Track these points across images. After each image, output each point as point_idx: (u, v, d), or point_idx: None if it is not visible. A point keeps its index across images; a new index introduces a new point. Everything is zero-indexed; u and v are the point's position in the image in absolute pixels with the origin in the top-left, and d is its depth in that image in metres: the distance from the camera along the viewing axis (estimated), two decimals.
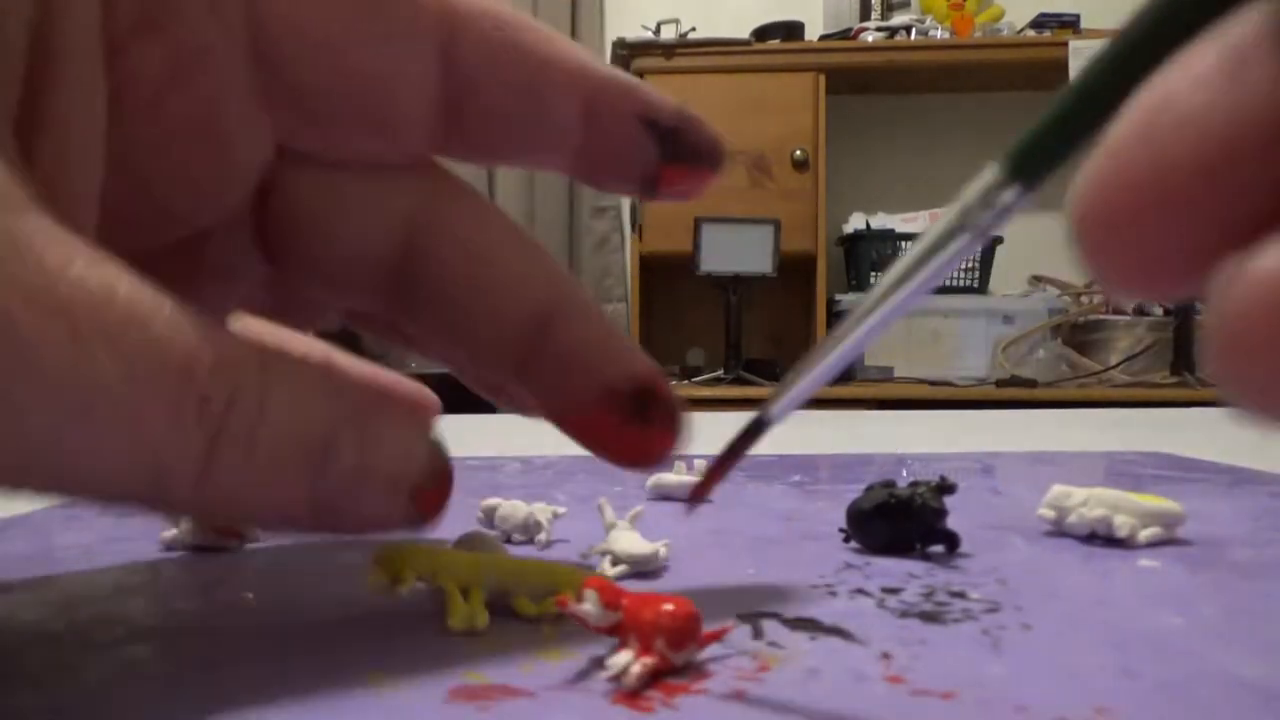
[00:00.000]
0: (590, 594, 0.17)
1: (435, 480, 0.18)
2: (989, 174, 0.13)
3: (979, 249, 0.13)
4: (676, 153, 0.20)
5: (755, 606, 0.21)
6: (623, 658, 0.16)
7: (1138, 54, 0.11)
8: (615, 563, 0.24)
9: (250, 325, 0.26)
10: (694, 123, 0.20)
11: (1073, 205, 0.10)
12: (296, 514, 0.16)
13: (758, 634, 0.19)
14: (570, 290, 0.20)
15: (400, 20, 0.18)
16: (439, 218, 0.20)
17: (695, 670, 0.17)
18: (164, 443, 0.15)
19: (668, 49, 2.12)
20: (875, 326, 0.15)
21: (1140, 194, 0.10)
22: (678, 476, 0.34)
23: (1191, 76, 0.10)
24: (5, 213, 0.14)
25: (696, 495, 0.20)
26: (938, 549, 0.26)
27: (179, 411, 0.15)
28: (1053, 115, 0.12)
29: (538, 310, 0.19)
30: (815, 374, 0.16)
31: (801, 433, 0.63)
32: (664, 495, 0.34)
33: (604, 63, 0.20)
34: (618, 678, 0.16)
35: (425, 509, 0.18)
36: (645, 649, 0.16)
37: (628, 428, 0.20)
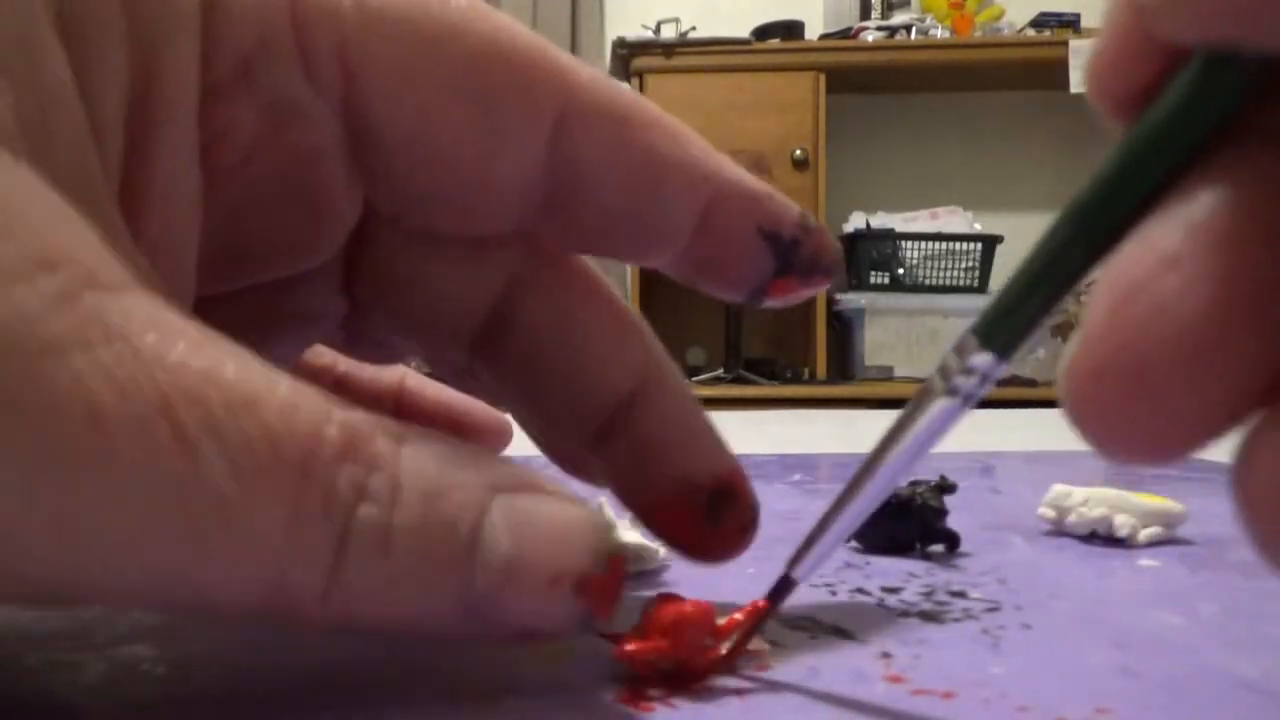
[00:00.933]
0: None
1: (602, 565, 0.14)
2: (966, 338, 0.12)
3: (965, 413, 0.13)
4: (793, 266, 0.19)
5: None
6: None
7: (1096, 226, 0.10)
8: None
9: (322, 354, 0.26)
10: (815, 234, 0.19)
11: (1060, 389, 0.10)
12: (445, 622, 0.14)
13: (758, 633, 0.19)
14: (659, 374, 0.19)
15: (510, 116, 0.17)
16: (535, 286, 0.19)
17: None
18: (284, 550, 0.12)
19: (667, 48, 2.12)
20: (881, 484, 0.15)
21: (1122, 384, 0.10)
22: None
23: (1159, 256, 0.10)
24: (97, 291, 0.12)
25: (730, 659, 0.17)
26: (938, 549, 0.26)
27: (299, 511, 0.12)
28: (1012, 290, 0.11)
29: (622, 393, 0.19)
30: (832, 534, 0.16)
31: (801, 432, 0.63)
32: None
33: (732, 167, 0.19)
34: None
35: (594, 604, 0.14)
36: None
37: (699, 524, 0.19)
